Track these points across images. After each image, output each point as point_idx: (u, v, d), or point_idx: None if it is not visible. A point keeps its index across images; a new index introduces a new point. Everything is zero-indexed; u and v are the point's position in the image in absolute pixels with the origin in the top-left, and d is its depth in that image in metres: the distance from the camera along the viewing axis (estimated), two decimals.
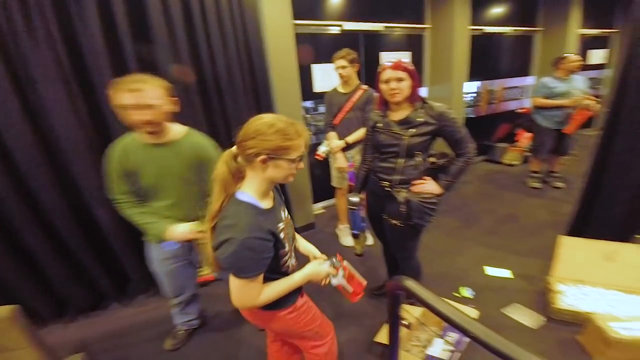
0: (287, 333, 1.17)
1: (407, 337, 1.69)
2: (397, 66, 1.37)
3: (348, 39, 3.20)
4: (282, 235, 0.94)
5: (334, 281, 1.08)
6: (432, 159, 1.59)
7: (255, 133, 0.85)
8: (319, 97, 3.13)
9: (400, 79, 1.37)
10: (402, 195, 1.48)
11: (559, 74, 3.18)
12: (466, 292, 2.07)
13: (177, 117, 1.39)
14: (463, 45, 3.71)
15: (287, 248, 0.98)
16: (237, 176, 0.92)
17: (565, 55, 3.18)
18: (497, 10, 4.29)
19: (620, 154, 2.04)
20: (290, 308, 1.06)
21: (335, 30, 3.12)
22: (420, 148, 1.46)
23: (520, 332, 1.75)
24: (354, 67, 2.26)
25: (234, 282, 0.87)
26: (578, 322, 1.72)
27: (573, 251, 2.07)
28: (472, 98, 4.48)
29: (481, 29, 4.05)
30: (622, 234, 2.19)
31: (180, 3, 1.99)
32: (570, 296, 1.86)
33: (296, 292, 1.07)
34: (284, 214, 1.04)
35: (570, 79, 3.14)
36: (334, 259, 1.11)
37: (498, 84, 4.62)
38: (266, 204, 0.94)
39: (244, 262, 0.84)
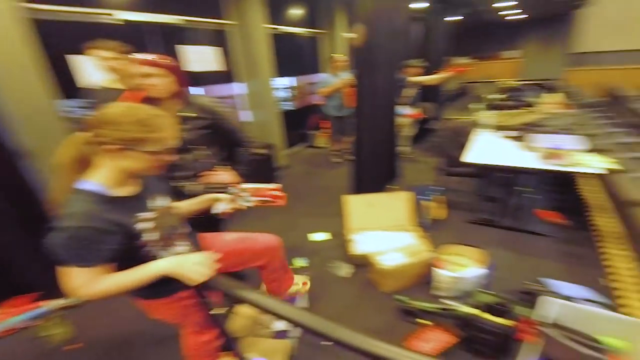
0: (167, 321, 1.08)
1: (254, 323, 1.68)
2: (146, 62, 1.22)
3: (141, 31, 2.68)
4: (143, 225, 0.83)
5: (249, 203, 1.05)
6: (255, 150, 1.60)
7: (108, 121, 0.75)
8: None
9: (149, 75, 1.21)
10: (192, 188, 1.41)
11: (331, 71, 3.67)
12: (300, 262, 2.21)
13: None
14: (263, 43, 3.69)
15: (152, 239, 0.86)
16: (84, 163, 0.79)
17: (333, 55, 3.68)
18: (291, 13, 4.50)
19: (360, 131, 2.56)
20: (168, 299, 0.97)
21: (114, 20, 2.50)
22: (201, 142, 1.39)
23: (339, 283, 2.01)
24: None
25: (66, 271, 0.75)
26: (368, 263, 1.97)
27: (353, 206, 2.38)
28: (290, 93, 4.68)
29: (277, 28, 4.14)
30: (379, 187, 2.80)
31: None
32: (360, 243, 2.18)
33: (179, 286, 0.91)
34: (161, 202, 0.92)
35: (339, 75, 3.63)
36: (230, 189, 1.07)
37: (304, 80, 4.99)
38: (123, 192, 0.82)
39: (75, 251, 0.73)
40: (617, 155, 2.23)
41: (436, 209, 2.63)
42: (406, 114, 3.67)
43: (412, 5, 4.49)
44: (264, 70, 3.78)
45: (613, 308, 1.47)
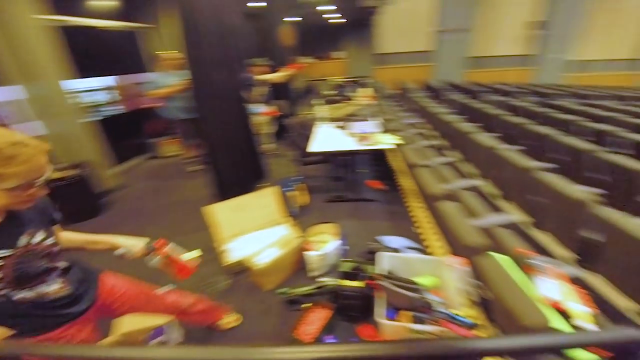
0: None
1: None
2: None
3: None
4: None
5: (153, 263, 1.02)
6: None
7: None
8: None
9: None
10: None
11: (161, 69, 3.13)
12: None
13: None
14: (39, 38, 2.69)
15: (4, 279, 0.75)
16: None
17: (160, 53, 3.13)
18: (93, 3, 3.46)
19: (208, 134, 2.42)
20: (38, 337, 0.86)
21: None
22: None
23: (221, 297, 1.84)
24: None
25: None
26: (246, 268, 1.92)
27: (220, 214, 2.15)
28: (110, 95, 3.67)
29: (65, 20, 3.10)
30: (247, 189, 2.62)
31: None
32: (234, 250, 2.07)
33: (53, 323, 0.89)
34: (36, 238, 0.80)
35: (173, 74, 3.09)
36: (150, 244, 1.03)
37: (127, 80, 4.01)
38: None
39: None
40: (402, 133, 2.97)
41: (300, 197, 2.80)
42: (262, 112, 3.63)
43: (250, 4, 4.35)
44: (47, 70, 2.77)
45: (424, 251, 1.95)
